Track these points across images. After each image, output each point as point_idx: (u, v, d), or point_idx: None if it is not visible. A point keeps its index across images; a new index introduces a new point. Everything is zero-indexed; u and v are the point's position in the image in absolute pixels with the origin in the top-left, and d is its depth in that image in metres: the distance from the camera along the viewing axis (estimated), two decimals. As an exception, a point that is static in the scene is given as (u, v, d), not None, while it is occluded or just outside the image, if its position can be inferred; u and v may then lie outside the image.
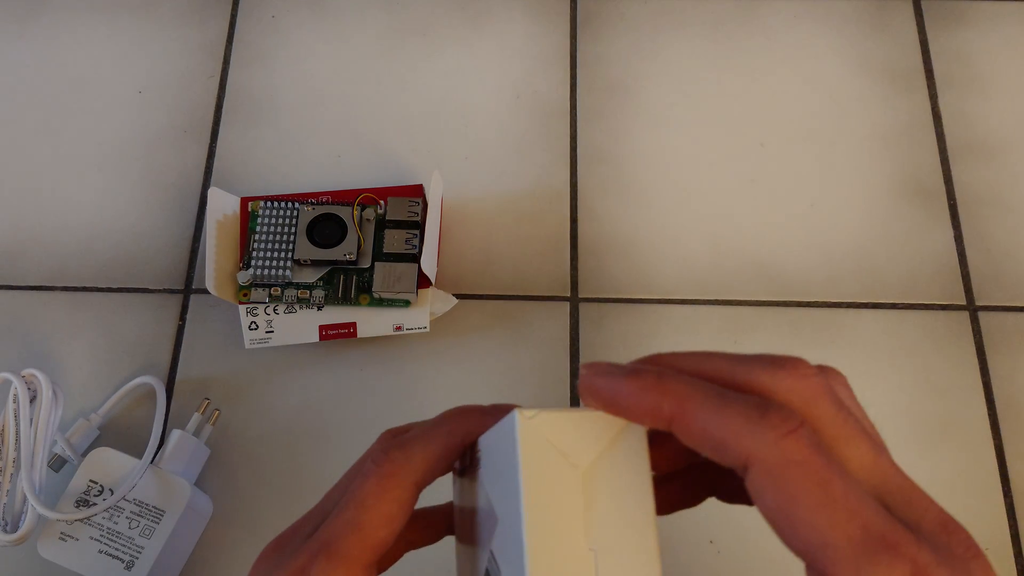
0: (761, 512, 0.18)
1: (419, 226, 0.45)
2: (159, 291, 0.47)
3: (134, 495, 0.40)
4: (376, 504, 0.21)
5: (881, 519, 0.17)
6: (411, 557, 0.24)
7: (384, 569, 0.22)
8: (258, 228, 0.45)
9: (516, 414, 0.20)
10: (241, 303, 0.44)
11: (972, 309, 0.47)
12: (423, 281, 0.44)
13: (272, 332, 0.44)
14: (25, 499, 0.39)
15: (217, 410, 0.44)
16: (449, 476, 0.25)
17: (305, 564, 0.20)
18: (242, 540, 0.42)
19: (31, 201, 0.50)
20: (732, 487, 0.23)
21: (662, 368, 0.20)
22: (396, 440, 0.22)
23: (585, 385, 0.20)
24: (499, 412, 0.23)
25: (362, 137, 0.51)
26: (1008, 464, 0.43)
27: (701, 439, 0.18)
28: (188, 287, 0.47)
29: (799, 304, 0.47)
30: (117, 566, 0.39)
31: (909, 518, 0.18)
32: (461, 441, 0.22)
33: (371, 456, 0.22)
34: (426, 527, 0.25)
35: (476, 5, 0.54)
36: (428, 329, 0.44)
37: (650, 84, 0.52)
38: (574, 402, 0.45)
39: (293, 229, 0.45)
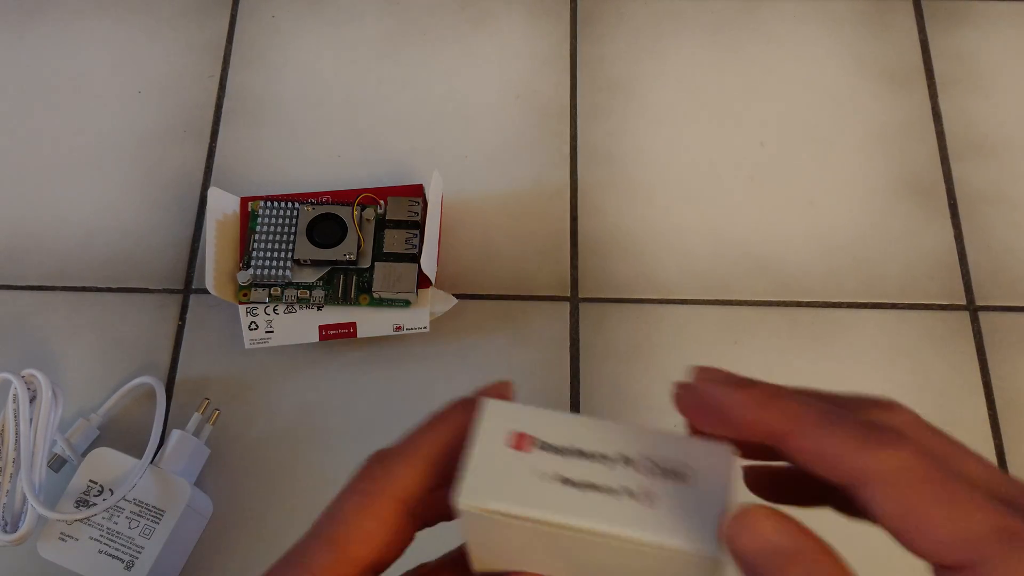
0: (883, 524, 0.18)
1: (419, 226, 0.45)
2: (159, 291, 0.47)
3: (134, 495, 0.40)
4: (354, 520, 0.20)
5: (1003, 512, 0.17)
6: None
7: None
8: (258, 228, 0.45)
9: None
10: (241, 303, 0.44)
11: (972, 309, 0.47)
12: (423, 281, 0.44)
13: (272, 332, 0.44)
14: (25, 499, 0.39)
15: (217, 410, 0.44)
16: None
17: None
18: (242, 540, 0.42)
19: (31, 201, 0.50)
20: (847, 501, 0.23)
21: (774, 386, 0.20)
22: (378, 454, 0.22)
23: (697, 391, 0.20)
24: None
25: (362, 137, 0.51)
26: (1008, 464, 0.43)
27: (813, 457, 0.19)
28: (188, 287, 0.47)
29: (799, 304, 0.47)
30: (117, 566, 0.39)
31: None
32: (446, 448, 0.22)
33: (356, 471, 0.22)
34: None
35: (476, 5, 0.54)
36: (428, 329, 0.44)
37: (650, 84, 0.52)
38: (574, 403, 0.45)
39: (293, 229, 0.45)
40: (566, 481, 0.20)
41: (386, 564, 0.21)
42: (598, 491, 0.20)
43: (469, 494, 0.19)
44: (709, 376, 0.20)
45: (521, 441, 0.20)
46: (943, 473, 0.18)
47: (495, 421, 0.21)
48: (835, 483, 0.19)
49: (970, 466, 0.19)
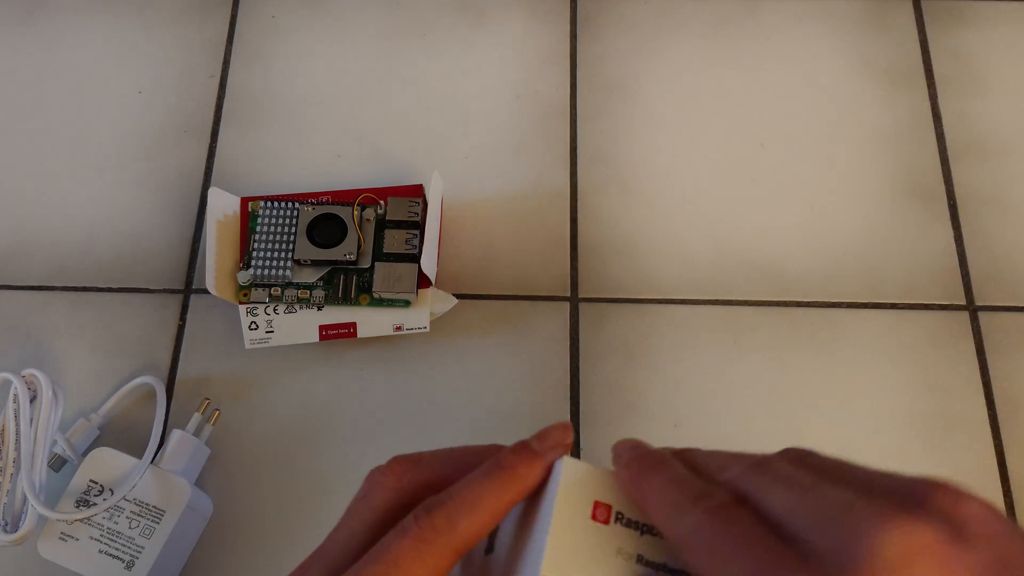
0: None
1: (419, 226, 0.45)
2: (159, 291, 0.47)
3: (134, 495, 0.40)
4: (407, 566, 0.20)
5: (765, 550, 0.17)
6: None
7: None
8: (258, 228, 0.45)
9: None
10: (241, 303, 0.44)
11: (972, 309, 0.47)
12: (423, 281, 0.44)
13: (272, 332, 0.44)
14: (25, 499, 0.39)
15: (217, 410, 0.44)
16: None
17: None
18: (242, 540, 0.42)
19: (31, 201, 0.50)
20: None
21: (654, 455, 0.22)
22: (440, 500, 0.21)
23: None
24: (550, 445, 0.23)
25: (362, 137, 0.51)
26: (1008, 464, 0.43)
27: (643, 510, 0.21)
28: (188, 287, 0.47)
29: (799, 304, 0.47)
30: (117, 566, 0.39)
31: (810, 539, 0.18)
32: (510, 505, 0.21)
33: (414, 513, 0.21)
34: None
35: (476, 5, 0.54)
36: (428, 329, 0.44)
37: (650, 84, 0.52)
38: (574, 403, 0.45)
39: (293, 229, 0.45)
40: (642, 560, 0.21)
41: None
42: (671, 574, 0.21)
43: (554, 567, 0.20)
44: (618, 451, 0.22)
45: (601, 512, 0.21)
46: (728, 524, 0.18)
47: (573, 486, 0.21)
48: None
49: (779, 497, 0.19)
